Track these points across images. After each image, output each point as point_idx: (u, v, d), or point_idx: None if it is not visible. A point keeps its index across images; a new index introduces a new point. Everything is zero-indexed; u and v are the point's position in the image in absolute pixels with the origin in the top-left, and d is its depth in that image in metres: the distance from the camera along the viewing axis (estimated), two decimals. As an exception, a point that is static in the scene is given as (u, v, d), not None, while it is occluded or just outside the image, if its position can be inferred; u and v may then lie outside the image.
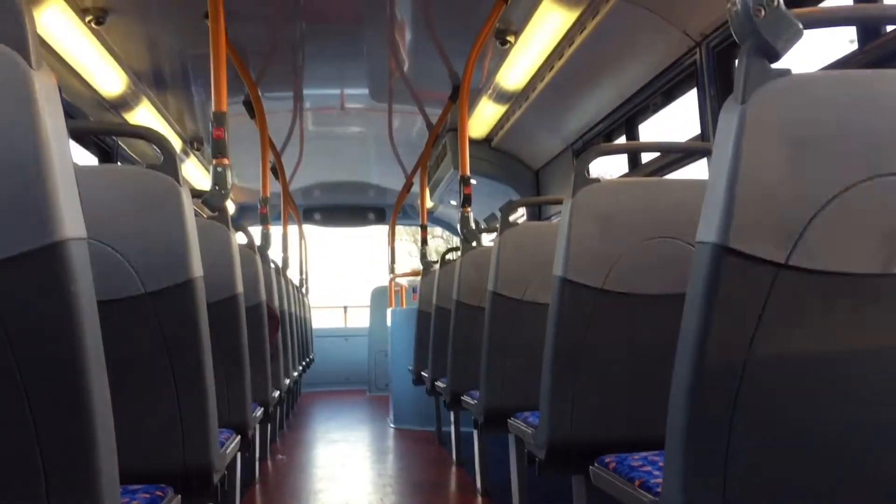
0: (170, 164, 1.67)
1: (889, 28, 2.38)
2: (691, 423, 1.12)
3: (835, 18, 1.25)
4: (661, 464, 1.48)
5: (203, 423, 1.64)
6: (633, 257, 1.87)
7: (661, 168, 3.95)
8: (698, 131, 3.41)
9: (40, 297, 0.89)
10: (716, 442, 1.12)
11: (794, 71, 1.11)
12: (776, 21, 1.06)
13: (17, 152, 0.88)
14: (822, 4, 2.66)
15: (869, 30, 2.43)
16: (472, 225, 4.03)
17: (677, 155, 3.78)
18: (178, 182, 1.66)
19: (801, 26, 1.07)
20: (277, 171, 6.53)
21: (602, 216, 1.89)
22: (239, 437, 2.27)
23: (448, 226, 9.30)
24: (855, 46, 2.49)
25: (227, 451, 1.98)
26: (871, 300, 1.11)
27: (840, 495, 1.15)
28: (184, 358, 1.62)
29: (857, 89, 1.12)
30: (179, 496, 1.49)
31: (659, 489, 1.35)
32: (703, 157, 2.68)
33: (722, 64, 3.22)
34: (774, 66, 1.09)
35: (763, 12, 1.05)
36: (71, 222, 0.90)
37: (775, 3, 1.05)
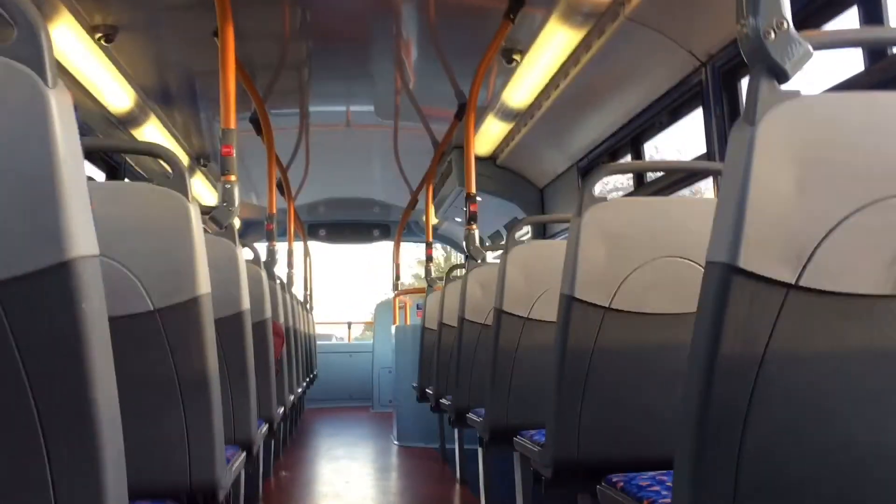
0: (179, 180, 1.68)
1: (895, 49, 2.39)
2: (701, 443, 1.12)
3: (843, 41, 1.25)
4: (669, 483, 1.47)
5: (209, 439, 1.64)
6: (640, 276, 1.87)
7: (667, 186, 3.95)
8: (703, 150, 3.42)
9: (52, 314, 0.90)
10: (725, 462, 1.11)
11: (803, 92, 1.11)
12: (786, 43, 1.06)
13: (33, 170, 0.89)
14: (827, 26, 2.68)
15: (875, 51, 2.44)
16: (478, 243, 4.03)
17: (683, 174, 3.79)
18: (188, 199, 1.66)
19: (810, 48, 1.07)
20: (283, 187, 6.55)
21: (609, 235, 1.89)
22: (244, 453, 2.26)
23: (453, 243, 9.30)
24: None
25: (233, 468, 1.98)
26: (881, 321, 1.11)
27: None
28: (191, 374, 1.62)
29: (866, 110, 1.12)
30: None
31: (667, 510, 1.34)
32: (707, 176, 2.68)
33: (728, 84, 3.23)
34: (783, 87, 1.09)
35: (773, 35, 1.06)
36: (84, 240, 0.91)
37: (785, 25, 1.06)
